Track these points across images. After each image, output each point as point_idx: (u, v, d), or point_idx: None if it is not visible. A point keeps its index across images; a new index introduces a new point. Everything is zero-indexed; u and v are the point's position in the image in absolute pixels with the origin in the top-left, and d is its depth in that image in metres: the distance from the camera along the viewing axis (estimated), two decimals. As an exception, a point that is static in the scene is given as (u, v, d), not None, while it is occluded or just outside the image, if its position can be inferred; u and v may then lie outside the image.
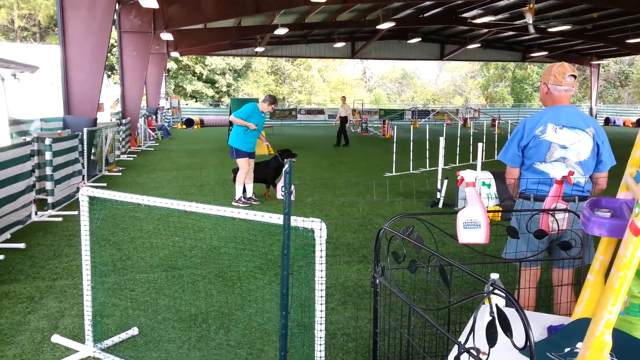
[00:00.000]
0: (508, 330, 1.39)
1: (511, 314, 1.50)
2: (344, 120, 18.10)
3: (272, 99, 7.97)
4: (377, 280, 2.27)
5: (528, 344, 1.32)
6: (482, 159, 7.99)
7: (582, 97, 46.91)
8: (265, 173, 8.19)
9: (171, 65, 38.97)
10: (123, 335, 3.43)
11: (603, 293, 1.55)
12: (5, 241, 5.57)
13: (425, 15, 24.81)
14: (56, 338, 3.39)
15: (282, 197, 2.49)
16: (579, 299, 2.12)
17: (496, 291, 1.47)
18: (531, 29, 20.16)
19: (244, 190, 7.95)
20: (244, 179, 7.82)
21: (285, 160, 8.04)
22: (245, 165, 7.75)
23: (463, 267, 1.67)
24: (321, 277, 2.47)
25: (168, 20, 17.49)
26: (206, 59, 42.09)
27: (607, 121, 34.52)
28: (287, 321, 2.45)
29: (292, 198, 2.33)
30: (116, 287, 4.33)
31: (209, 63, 42.89)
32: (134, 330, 3.50)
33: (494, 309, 1.41)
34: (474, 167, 9.46)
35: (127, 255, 5.22)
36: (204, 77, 43.33)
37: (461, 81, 59.40)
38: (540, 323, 2.14)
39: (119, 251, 5.36)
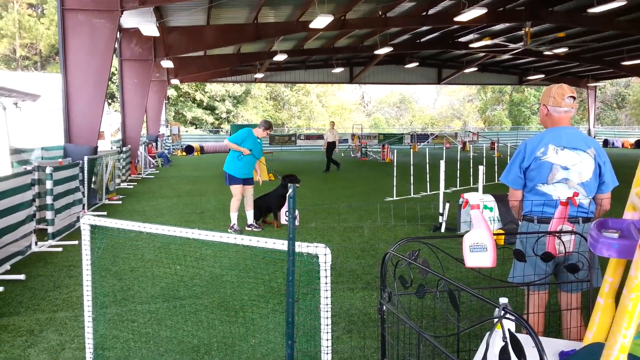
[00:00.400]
0: (522, 356, 1.36)
1: (522, 339, 1.46)
2: (332, 145, 18.09)
3: (267, 124, 7.93)
4: (384, 307, 2.23)
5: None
6: (483, 182, 7.98)
7: (579, 119, 47.20)
8: (271, 202, 8.07)
9: (171, 92, 39.34)
10: (124, 367, 3.36)
11: (616, 316, 1.52)
12: (5, 272, 5.52)
13: (422, 40, 25.15)
14: (56, 371, 3.32)
15: (287, 222, 2.47)
16: (590, 323, 2.08)
17: (508, 315, 1.44)
18: (519, 49, 20.26)
19: (245, 218, 7.93)
20: (237, 207, 7.76)
21: (289, 185, 8.00)
22: (237, 193, 7.67)
23: (473, 291, 1.64)
24: (327, 305, 2.43)
25: (168, 47, 17.72)
26: (206, 85, 42.53)
27: (605, 143, 34.66)
28: (293, 351, 2.40)
29: (297, 223, 2.31)
30: (117, 319, 4.27)
31: (209, 90, 43.31)
32: (136, 362, 3.44)
33: (507, 334, 1.38)
34: (475, 190, 9.44)
35: (128, 286, 5.16)
36: (203, 104, 43.71)
37: (459, 105, 59.87)
38: (551, 348, 2.09)
39: (120, 281, 5.30)
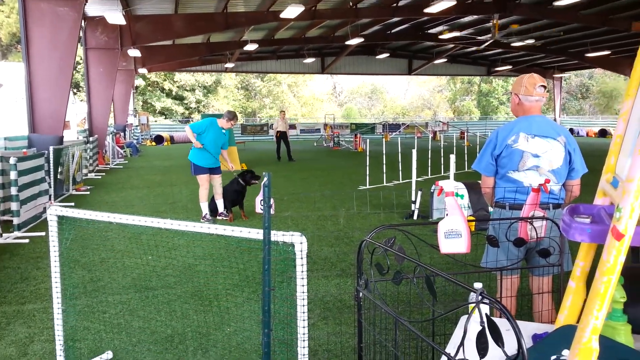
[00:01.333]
0: (499, 339, 1.38)
1: (497, 323, 1.49)
2: (283, 134, 18.01)
3: (231, 115, 7.78)
4: (361, 294, 2.24)
5: (520, 352, 1.31)
6: (454, 171, 8.09)
7: (545, 109, 48.26)
8: (225, 194, 7.88)
9: (139, 82, 38.51)
10: (96, 360, 3.30)
11: (588, 299, 1.56)
12: (-32, 265, 5.34)
13: (392, 31, 25.24)
14: (25, 365, 3.24)
15: (262, 211, 2.44)
16: (562, 306, 2.13)
17: (485, 300, 1.46)
18: (488, 41, 20.69)
19: (216, 207, 7.84)
20: (206, 196, 7.67)
21: (250, 182, 7.90)
22: (204, 182, 7.59)
23: (450, 276, 1.66)
24: (303, 293, 2.42)
25: (135, 36, 17.31)
26: (175, 75, 41.78)
27: (571, 132, 35.51)
28: (270, 339, 2.40)
29: (272, 212, 2.30)
30: (88, 310, 4.18)
31: (178, 79, 42.58)
32: (108, 354, 3.38)
33: (484, 319, 1.40)
34: (446, 179, 9.57)
35: (98, 277, 5.06)
36: (173, 93, 42.96)
37: (429, 95, 60.50)
38: (524, 331, 2.14)
39: (90, 272, 5.19)
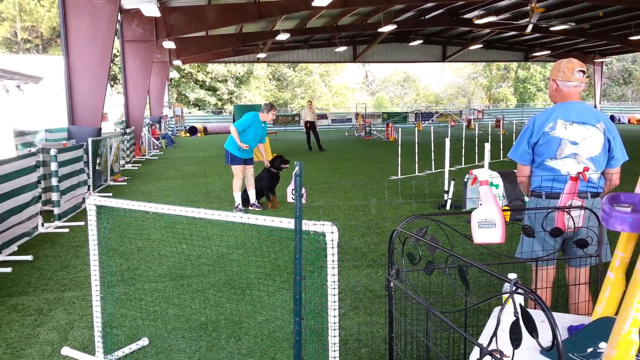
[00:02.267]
0: (534, 331, 1.34)
1: (532, 314, 1.45)
2: (312, 124, 17.93)
3: (270, 106, 7.85)
4: (392, 284, 2.23)
5: (556, 343, 1.27)
6: (489, 159, 7.93)
7: (585, 95, 46.76)
8: (261, 184, 7.98)
9: (173, 74, 39.13)
10: (133, 346, 3.39)
11: (629, 290, 1.50)
12: (12, 253, 5.56)
13: (426, 17, 24.81)
14: (66, 350, 3.35)
15: (293, 201, 2.45)
16: (599, 298, 2.07)
17: (519, 290, 1.43)
18: (529, 29, 20.15)
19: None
20: (240, 186, 7.77)
21: (280, 167, 7.96)
22: (238, 172, 7.68)
23: (483, 266, 1.62)
24: (334, 282, 2.42)
25: (170, 28, 17.56)
26: (208, 66, 42.26)
27: (612, 119, 34.33)
28: (300, 327, 2.41)
29: (303, 201, 2.31)
30: (125, 298, 4.30)
31: (211, 70, 43.05)
32: (144, 341, 3.46)
33: (518, 309, 1.37)
34: (480, 168, 9.39)
35: (135, 265, 5.19)
36: (206, 84, 43.50)
37: (464, 82, 59.37)
38: (560, 323, 2.09)
39: (127, 261, 5.33)
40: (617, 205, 1.78)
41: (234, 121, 17.31)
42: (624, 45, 28.66)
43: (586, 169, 2.82)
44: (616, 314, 1.92)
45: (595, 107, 36.16)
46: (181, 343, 3.47)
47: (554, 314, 2.26)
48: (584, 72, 2.99)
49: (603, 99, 43.10)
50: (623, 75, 53.52)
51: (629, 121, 33.86)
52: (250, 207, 7.85)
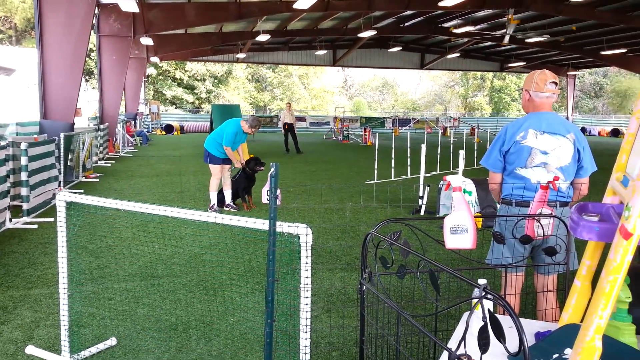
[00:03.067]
0: (501, 336, 1.37)
1: (500, 320, 1.47)
2: (290, 127, 17.96)
3: (255, 123, 7.79)
4: (364, 287, 2.24)
5: (522, 349, 1.30)
6: (463, 167, 8.04)
7: (558, 107, 47.84)
8: (237, 185, 7.94)
9: (150, 70, 38.63)
10: (101, 346, 3.32)
11: (594, 298, 1.54)
12: (-22, 249, 5.40)
13: (405, 24, 25.05)
14: (31, 349, 3.27)
15: (268, 202, 2.44)
16: (566, 305, 2.11)
17: (488, 296, 1.45)
18: (506, 40, 20.55)
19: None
20: (217, 186, 7.73)
21: (255, 169, 7.95)
22: (217, 172, 7.65)
23: (454, 271, 1.64)
24: (307, 284, 2.42)
25: (148, 24, 17.32)
26: (186, 64, 41.84)
27: (583, 131, 35.20)
28: (272, 329, 2.40)
29: (279, 203, 2.29)
30: (93, 297, 4.22)
31: (189, 69, 42.63)
32: (112, 341, 3.40)
33: (487, 315, 1.39)
34: (455, 175, 9.51)
35: (105, 264, 5.10)
36: (184, 83, 43.05)
37: (441, 90, 60.11)
38: (528, 329, 2.13)
39: (97, 259, 5.23)
40: (585, 215, 1.83)
41: (211, 121, 17.18)
42: (596, 59, 29.44)
43: (556, 178, 2.88)
44: (582, 321, 1.96)
45: (567, 118, 37.07)
46: (150, 343, 3.42)
47: (522, 320, 2.30)
48: (556, 83, 3.06)
49: (575, 110, 44.16)
50: (594, 89, 54.96)
51: (599, 133, 34.75)
52: (225, 208, 7.80)
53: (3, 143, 6.77)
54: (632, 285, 1.82)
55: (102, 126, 15.26)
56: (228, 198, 7.84)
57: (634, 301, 1.81)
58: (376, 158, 11.35)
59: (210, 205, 7.73)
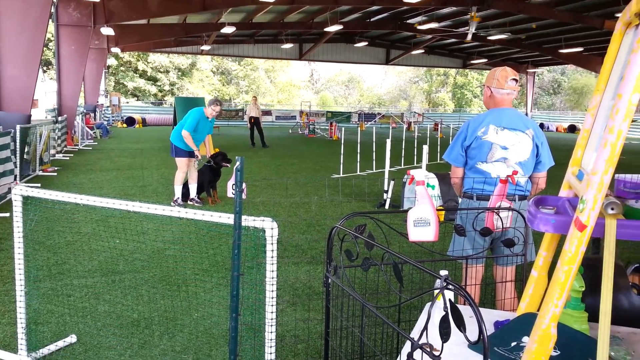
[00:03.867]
0: (462, 325, 1.40)
1: (461, 309, 1.51)
2: (256, 120, 17.93)
3: (215, 102, 7.73)
4: (330, 280, 2.26)
5: (482, 337, 1.33)
6: (426, 161, 8.16)
7: (517, 103, 49.12)
8: (202, 179, 7.86)
9: (111, 61, 37.63)
10: (60, 344, 3.24)
11: (549, 287, 1.59)
12: None
13: (371, 19, 25.22)
14: (-15, 348, 3.16)
15: (233, 196, 2.42)
16: (523, 295, 2.18)
17: (449, 287, 1.49)
18: (469, 37, 20.96)
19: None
20: (182, 179, 7.63)
21: (221, 164, 7.88)
22: (182, 165, 7.54)
23: (417, 263, 1.68)
24: (272, 278, 2.42)
25: (109, 14, 16.87)
26: (149, 56, 40.94)
27: (541, 127, 36.28)
28: (237, 324, 2.39)
29: (244, 196, 2.28)
30: (52, 293, 4.10)
31: (152, 60, 41.74)
32: (72, 338, 3.32)
33: (448, 305, 1.42)
34: (418, 169, 9.66)
35: (64, 260, 4.96)
36: (146, 74, 42.13)
37: (405, 86, 60.81)
38: (487, 318, 2.19)
39: (55, 255, 5.08)
40: (542, 208, 1.89)
41: (174, 113, 16.90)
42: (554, 57, 30.38)
43: (515, 173, 2.97)
44: (539, 309, 2.03)
45: (526, 114, 38.10)
46: (112, 340, 3.35)
47: (482, 309, 2.37)
48: (516, 80, 3.15)
49: (534, 107, 45.46)
50: (553, 86, 56.68)
51: (556, 129, 35.90)
52: (189, 202, 7.70)
53: (-46, 135, 6.48)
54: (585, 275, 1.90)
55: (60, 118, 14.79)
56: (193, 192, 7.74)
57: (587, 290, 1.89)
58: (342, 152, 11.41)
59: (175, 199, 7.62)
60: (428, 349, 1.51)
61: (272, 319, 2.43)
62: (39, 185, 8.78)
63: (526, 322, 1.97)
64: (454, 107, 53.84)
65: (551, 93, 57.18)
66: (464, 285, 2.95)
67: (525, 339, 1.88)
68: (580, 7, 19.89)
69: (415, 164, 12.70)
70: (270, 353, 2.45)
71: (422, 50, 33.17)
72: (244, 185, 2.41)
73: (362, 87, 62.39)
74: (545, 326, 1.56)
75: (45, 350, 3.13)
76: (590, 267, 1.98)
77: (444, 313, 1.45)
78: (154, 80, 42.80)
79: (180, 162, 7.53)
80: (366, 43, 31.26)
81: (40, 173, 10.35)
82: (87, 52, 17.92)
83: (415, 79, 60.22)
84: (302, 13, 23.44)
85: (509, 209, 2.80)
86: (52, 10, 14.59)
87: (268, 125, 31.96)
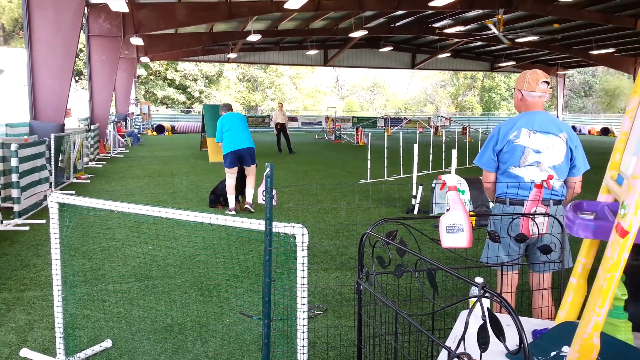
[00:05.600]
0: (501, 335, 1.37)
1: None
2: (282, 127, 17.99)
3: (223, 106, 8.00)
4: (361, 286, 2.24)
5: (522, 347, 1.31)
6: (455, 166, 8.08)
7: (548, 106, 48.15)
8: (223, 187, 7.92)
9: (141, 71, 38.41)
10: (96, 348, 3.30)
11: (590, 296, 1.55)
12: (-32, 251, 5.35)
13: (396, 24, 25.12)
14: (25, 352, 3.24)
15: (264, 202, 2.44)
16: (562, 303, 2.13)
17: (487, 294, 1.46)
18: (504, 40, 20.65)
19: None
20: (232, 187, 7.66)
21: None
22: (229, 173, 7.64)
23: (451, 270, 1.65)
24: (303, 285, 2.42)
25: (138, 24, 17.23)
26: (177, 64, 41.65)
27: (573, 129, 35.47)
28: (269, 330, 2.40)
29: (274, 203, 2.29)
30: (87, 298, 4.19)
31: (181, 69, 42.46)
32: (108, 343, 3.38)
33: (486, 313, 1.40)
34: (447, 174, 9.55)
35: (98, 265, 5.07)
36: (175, 83, 42.86)
37: (432, 90, 60.31)
38: (525, 327, 2.14)
39: (90, 261, 5.20)
40: (580, 213, 1.85)
41: (202, 121, 17.14)
42: (585, 58, 29.70)
43: (550, 177, 2.90)
44: (578, 318, 1.98)
45: (557, 117, 37.36)
46: (146, 345, 3.40)
47: (520, 317, 2.32)
48: (548, 82, 3.08)
49: (565, 109, 44.52)
50: (584, 88, 55.43)
51: (589, 132, 35.06)
52: (246, 206, 7.76)
53: (-7, 144, 6.70)
54: (628, 282, 1.84)
55: (92, 127, 15.16)
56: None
57: (630, 298, 1.83)
58: (369, 157, 11.38)
59: (231, 208, 7.66)
60: (465, 359, 1.49)
61: (303, 326, 2.43)
62: (73, 192, 9.00)
63: (566, 331, 1.92)
64: (481, 110, 53.13)
65: (582, 95, 55.92)
66: (499, 293, 2.89)
67: (565, 348, 1.83)
68: (611, 7, 19.42)
69: (443, 169, 12.57)
70: (303, 360, 2.44)
71: (449, 54, 32.86)
72: (274, 191, 2.42)
73: (387, 92, 62.13)
74: (587, 336, 1.52)
75: (82, 355, 3.20)
76: (633, 275, 1.93)
77: (482, 322, 1.42)
78: (182, 88, 43.50)
79: (227, 170, 7.67)
80: (391, 48, 31.14)
81: (74, 180, 10.61)
82: (118, 61, 18.34)
83: (441, 83, 59.68)
84: (326, 19, 23.51)
85: (545, 214, 2.74)
86: (83, 21, 14.97)
87: (294, 131, 32.09)
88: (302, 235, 2.39)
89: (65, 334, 3.15)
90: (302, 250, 2.40)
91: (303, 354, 2.44)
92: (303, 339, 2.44)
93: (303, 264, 2.41)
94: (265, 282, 2.45)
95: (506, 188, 3.08)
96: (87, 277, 4.69)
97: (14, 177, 6.76)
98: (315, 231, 6.50)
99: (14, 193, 6.79)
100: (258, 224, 2.47)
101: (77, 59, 20.42)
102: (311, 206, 8.18)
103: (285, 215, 7.42)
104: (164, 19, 17.55)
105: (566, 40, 26.61)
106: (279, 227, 2.42)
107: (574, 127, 35.48)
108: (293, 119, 34.78)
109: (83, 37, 16.95)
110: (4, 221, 6.55)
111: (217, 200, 7.96)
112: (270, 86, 50.75)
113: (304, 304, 2.44)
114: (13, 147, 6.72)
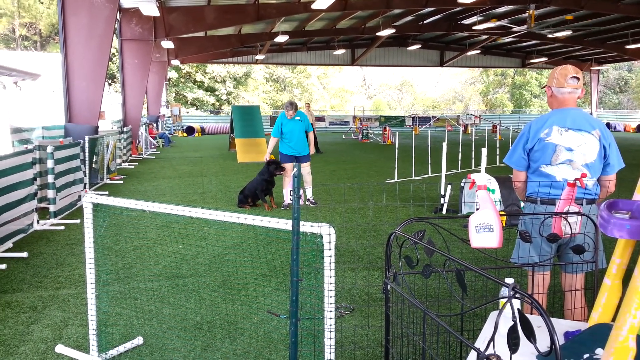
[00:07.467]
0: (532, 336, 1.35)
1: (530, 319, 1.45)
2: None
3: (287, 104, 8.03)
4: (389, 286, 2.23)
5: (554, 349, 1.28)
6: (485, 165, 7.95)
7: (581, 102, 46.92)
8: (255, 187, 8.03)
9: (172, 73, 39.06)
10: (128, 345, 3.38)
11: (626, 297, 1.51)
12: (7, 250, 5.54)
13: (424, 22, 24.87)
14: (60, 348, 3.34)
15: (291, 202, 2.44)
16: (596, 304, 2.07)
17: (518, 295, 1.43)
18: (544, 32, 19.99)
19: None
20: (288, 183, 7.97)
21: (275, 173, 8.04)
22: (286, 170, 7.92)
23: (481, 270, 1.63)
24: (330, 284, 2.42)
25: (169, 28, 17.53)
26: (207, 66, 42.21)
27: (608, 126, 34.51)
28: (297, 329, 2.41)
29: (301, 202, 2.29)
30: (120, 296, 4.29)
31: (210, 71, 43.01)
32: (139, 340, 3.45)
33: (516, 314, 1.37)
34: (477, 173, 9.41)
35: (131, 264, 5.18)
36: (204, 85, 43.44)
37: (461, 88, 59.51)
38: (557, 329, 2.09)
39: (122, 259, 5.31)
40: (615, 212, 1.79)
41: (231, 122, 17.34)
42: (620, 53, 28.82)
43: (584, 175, 2.83)
44: (613, 320, 1.93)
45: (591, 114, 36.39)
46: (176, 342, 3.46)
47: (552, 319, 2.27)
48: (578, 78, 2.99)
49: (599, 106, 43.33)
50: (619, 84, 53.81)
51: (624, 129, 34.04)
52: (306, 203, 8.01)
53: (30, 147, 6.91)
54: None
55: (125, 129, 15.49)
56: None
57: (668, 300, 1.76)
58: (396, 157, 11.30)
59: (286, 204, 7.97)
60: (495, 360, 1.46)
61: (331, 325, 2.43)
62: (106, 193, 9.22)
63: (600, 333, 1.87)
64: (512, 108, 52.15)
65: (618, 91, 54.29)
66: (531, 294, 2.84)
67: (599, 351, 1.79)
68: (648, 0, 18.81)
69: (473, 168, 12.39)
70: (330, 359, 2.44)
71: (478, 51, 32.32)
72: (302, 191, 2.43)
73: (415, 90, 61.60)
74: (623, 338, 1.48)
75: (114, 352, 3.28)
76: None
77: (512, 323, 1.40)
78: (211, 90, 44.06)
79: (286, 166, 7.93)
80: (419, 46, 30.83)
81: (108, 181, 10.87)
82: (149, 65, 18.71)
83: (471, 80, 58.82)
84: (354, 19, 23.45)
85: (578, 213, 2.68)
86: (116, 26, 15.32)
87: (321, 131, 32.13)
88: (330, 234, 2.39)
89: (99, 331, 3.23)
90: (330, 249, 2.40)
91: (330, 353, 2.44)
92: (330, 338, 2.44)
93: (330, 263, 2.41)
94: (292, 281, 2.46)
95: (537, 187, 3.01)
96: (119, 276, 4.79)
97: (50, 178, 6.96)
98: (342, 231, 6.50)
99: (50, 194, 6.99)
100: (285, 224, 2.48)
101: (110, 62, 20.92)
102: (338, 206, 8.17)
103: (312, 215, 7.44)
104: (193, 22, 17.81)
105: (600, 34, 25.88)
106: (306, 226, 2.43)
107: (608, 124, 34.49)
108: (320, 118, 34.80)
109: (116, 42, 17.37)
110: (40, 221, 6.75)
111: (246, 200, 8.04)
112: (297, 86, 50.93)
113: (331, 304, 2.44)
114: (49, 149, 6.92)
